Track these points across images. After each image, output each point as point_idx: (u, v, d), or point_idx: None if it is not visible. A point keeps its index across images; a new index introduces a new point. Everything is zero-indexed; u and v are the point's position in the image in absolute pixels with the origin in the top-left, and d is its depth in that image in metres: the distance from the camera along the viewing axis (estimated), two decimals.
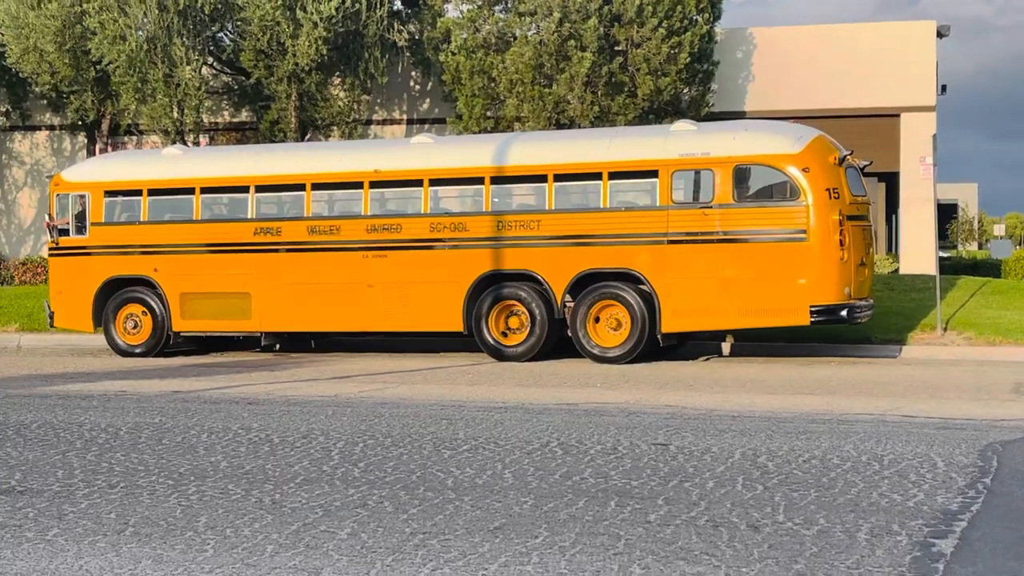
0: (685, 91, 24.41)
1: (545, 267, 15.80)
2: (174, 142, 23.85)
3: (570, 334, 15.91)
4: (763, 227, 14.92)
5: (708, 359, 16.49)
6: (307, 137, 24.21)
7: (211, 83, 26.10)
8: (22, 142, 29.59)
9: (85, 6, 22.85)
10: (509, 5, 24.14)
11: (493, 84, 23.71)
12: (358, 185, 16.81)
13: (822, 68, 25.41)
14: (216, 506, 6.85)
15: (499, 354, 16.12)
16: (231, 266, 17.35)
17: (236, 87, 25.91)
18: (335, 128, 24.12)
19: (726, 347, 17.11)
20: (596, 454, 8.35)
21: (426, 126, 26.40)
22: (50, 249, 18.92)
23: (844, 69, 25.32)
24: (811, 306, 14.76)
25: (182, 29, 22.77)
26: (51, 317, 18.71)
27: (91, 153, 27.79)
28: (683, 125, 16.20)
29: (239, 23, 23.11)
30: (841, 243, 14.77)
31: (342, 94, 24.34)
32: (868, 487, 7.18)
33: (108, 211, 18.18)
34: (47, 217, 19.09)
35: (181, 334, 17.93)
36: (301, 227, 16.99)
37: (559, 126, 23.58)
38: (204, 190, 17.68)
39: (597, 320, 15.73)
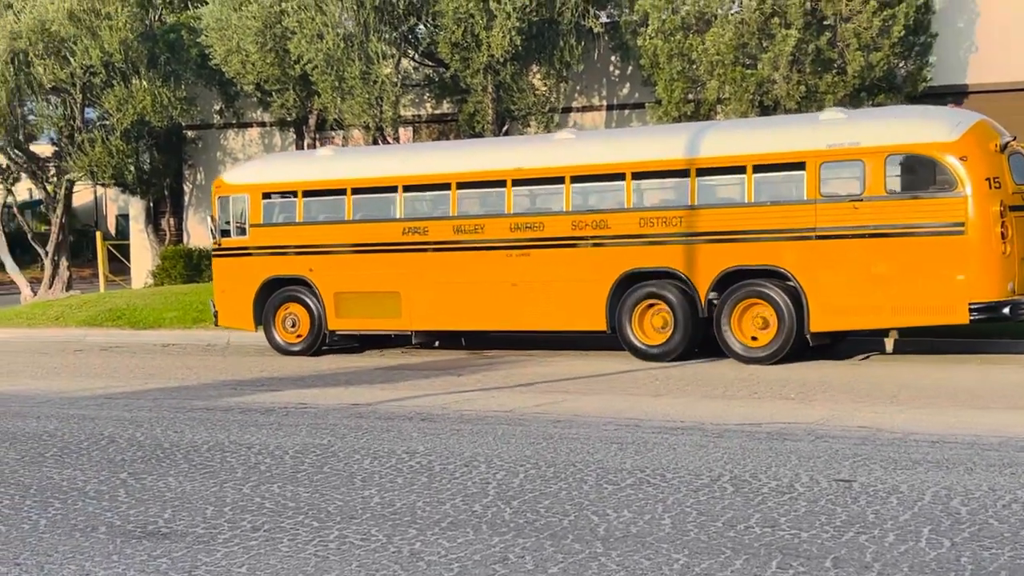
0: (900, 66, 23.05)
1: (688, 264, 15.44)
2: (374, 139, 23.98)
3: (715, 333, 15.39)
4: (917, 220, 14.20)
5: (865, 356, 15.42)
6: (504, 128, 23.94)
7: (412, 76, 26.13)
8: (235, 139, 30.38)
9: (284, 5, 23.13)
10: None
11: (693, 67, 22.88)
12: (501, 183, 16.73)
13: None
14: (351, 558, 6.52)
15: (642, 354, 15.84)
16: (381, 265, 17.55)
17: (436, 79, 25.85)
18: (532, 118, 23.75)
19: (889, 344, 16.13)
20: (769, 493, 7.67)
21: (626, 112, 25.79)
22: (213, 249, 19.51)
23: None
24: (970, 303, 13.96)
25: (379, 25, 22.78)
26: (216, 316, 19.37)
27: (300, 148, 28.28)
28: (832, 113, 15.43)
29: (434, 16, 22.97)
30: (1003, 236, 14.00)
31: (538, 83, 23.95)
32: None
33: (266, 212, 18.58)
34: (210, 219, 19.64)
35: (336, 332, 18.17)
36: (447, 226, 17.05)
37: (763, 108, 22.62)
38: (355, 191, 17.89)
39: (742, 318, 15.22)
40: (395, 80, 23.08)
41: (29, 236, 30.84)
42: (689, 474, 8.35)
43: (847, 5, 22.07)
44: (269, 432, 10.77)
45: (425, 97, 26.91)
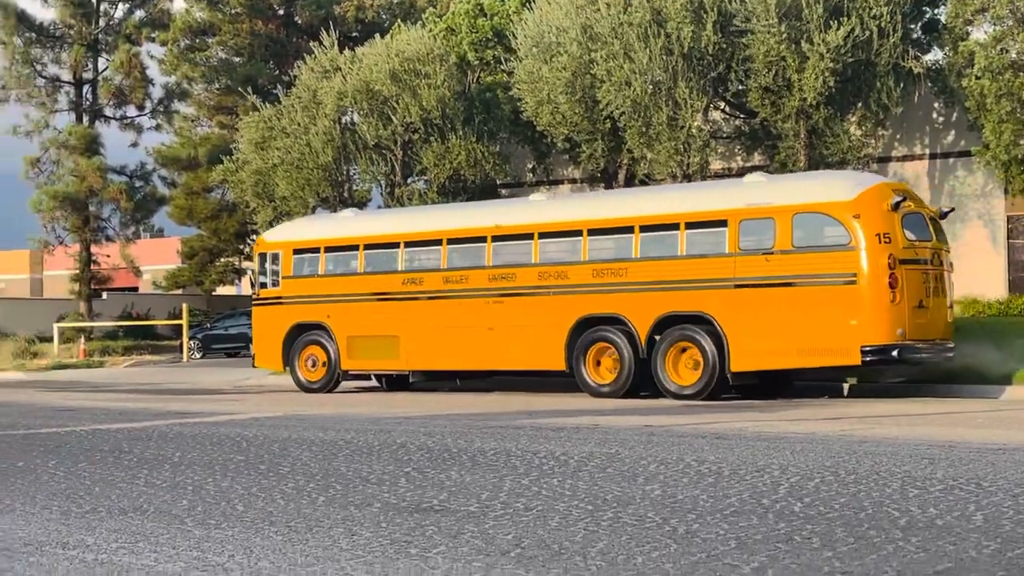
0: None
1: (631, 311, 17.12)
2: None
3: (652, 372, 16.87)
4: (818, 271, 15.53)
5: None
6: None
7: (722, 128, 25.71)
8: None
9: (593, 55, 23.25)
10: None
11: None
12: (482, 239, 18.85)
13: None
14: (622, 532, 6.10)
15: (594, 391, 17.48)
16: (384, 312, 19.85)
17: (747, 130, 25.32)
18: (848, 165, 22.79)
19: (845, 388, 17.41)
20: None
21: (950, 160, 24.42)
22: (252, 299, 21.89)
23: None
24: (862, 346, 15.15)
25: (687, 72, 22.53)
26: (253, 358, 22.00)
27: None
28: (755, 177, 17.38)
29: (743, 61, 22.51)
30: (891, 285, 15.12)
31: (854, 129, 23.01)
32: None
33: (296, 266, 21.03)
34: (251, 272, 22.10)
35: (348, 372, 20.50)
36: (438, 277, 19.28)
37: None
38: (366, 247, 20.34)
39: (678, 360, 16.73)
40: (702, 126, 22.69)
41: None
42: (1010, 483, 7.46)
43: None
44: (557, 443, 10.50)
45: (736, 150, 26.40)
